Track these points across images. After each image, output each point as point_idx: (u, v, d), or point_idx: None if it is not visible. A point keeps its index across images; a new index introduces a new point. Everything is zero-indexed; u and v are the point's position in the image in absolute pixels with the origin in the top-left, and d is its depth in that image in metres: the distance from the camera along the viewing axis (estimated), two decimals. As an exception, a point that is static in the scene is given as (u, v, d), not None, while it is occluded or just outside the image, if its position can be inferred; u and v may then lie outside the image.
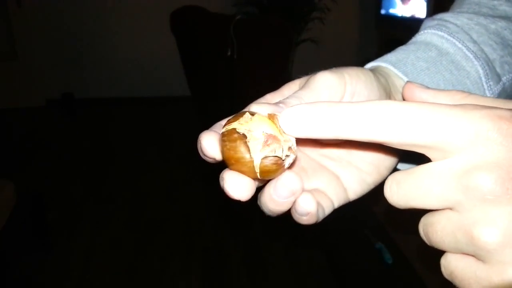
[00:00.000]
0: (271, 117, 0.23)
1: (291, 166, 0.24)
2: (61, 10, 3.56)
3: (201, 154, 0.25)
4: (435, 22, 0.36)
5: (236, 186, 0.24)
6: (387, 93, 0.30)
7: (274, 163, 0.23)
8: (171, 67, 3.64)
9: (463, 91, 0.25)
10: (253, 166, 0.23)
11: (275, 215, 0.26)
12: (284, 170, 0.24)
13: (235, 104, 2.14)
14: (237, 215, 2.15)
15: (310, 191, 0.27)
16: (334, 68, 0.28)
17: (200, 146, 0.24)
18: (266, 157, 0.22)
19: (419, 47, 0.35)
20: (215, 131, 0.25)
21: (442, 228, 0.20)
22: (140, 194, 2.36)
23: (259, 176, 0.23)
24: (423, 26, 0.37)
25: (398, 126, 0.19)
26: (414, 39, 0.37)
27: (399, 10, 3.17)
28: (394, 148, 0.21)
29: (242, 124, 0.23)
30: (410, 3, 3.05)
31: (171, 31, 2.45)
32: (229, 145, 0.23)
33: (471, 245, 0.19)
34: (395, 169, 0.32)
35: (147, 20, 3.64)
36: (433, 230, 0.21)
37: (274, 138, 0.23)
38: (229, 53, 2.04)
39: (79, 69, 3.76)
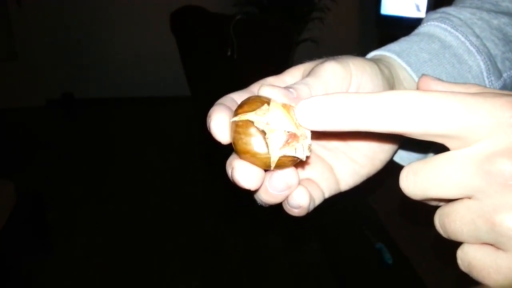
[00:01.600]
0: (286, 107, 0.23)
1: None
2: (61, 10, 3.56)
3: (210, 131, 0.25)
4: (438, 15, 0.36)
5: (247, 175, 0.24)
6: (391, 86, 0.30)
7: (291, 160, 0.23)
8: (171, 67, 3.63)
9: (479, 85, 0.24)
10: (270, 161, 0.23)
11: (267, 206, 0.26)
12: (295, 161, 0.24)
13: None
14: (237, 215, 2.15)
15: (303, 181, 0.28)
16: (339, 57, 0.27)
17: (210, 129, 0.24)
18: (285, 155, 0.22)
19: (422, 38, 0.34)
20: (225, 110, 0.24)
21: (461, 217, 0.20)
22: (140, 194, 2.36)
23: (271, 169, 0.23)
24: (425, 18, 0.37)
25: (420, 116, 0.19)
26: (417, 30, 0.36)
27: (399, 10, 3.17)
28: (392, 140, 0.21)
29: (259, 115, 0.22)
30: (410, 2, 3.06)
31: (171, 31, 2.45)
32: (245, 139, 0.22)
33: (492, 233, 0.19)
34: (390, 163, 0.32)
35: (147, 20, 3.64)
36: (451, 220, 0.20)
37: (295, 137, 0.22)
38: (229, 53, 2.04)
39: (79, 69, 3.76)
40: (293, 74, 0.29)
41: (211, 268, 1.82)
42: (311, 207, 0.27)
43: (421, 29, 0.36)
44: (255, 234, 2.01)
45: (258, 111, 0.23)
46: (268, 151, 0.22)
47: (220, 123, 0.24)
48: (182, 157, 2.81)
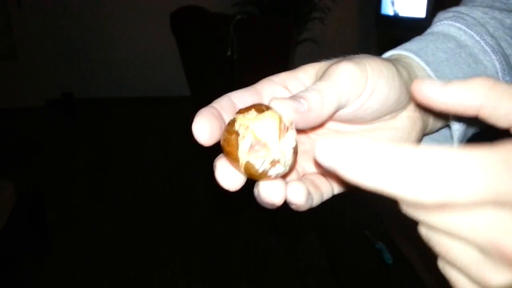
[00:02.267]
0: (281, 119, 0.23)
1: (283, 176, 0.24)
2: (61, 10, 3.56)
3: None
4: (451, 14, 0.35)
5: (226, 176, 0.24)
6: (408, 90, 0.29)
7: (257, 170, 0.22)
8: (171, 67, 3.64)
9: (487, 78, 0.21)
10: (239, 165, 0.23)
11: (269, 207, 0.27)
12: (270, 178, 0.23)
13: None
14: (237, 216, 2.15)
15: (310, 176, 0.28)
16: (356, 57, 0.27)
17: (192, 130, 0.25)
18: (249, 162, 0.22)
19: (438, 38, 0.34)
20: (208, 113, 0.25)
21: (460, 260, 0.19)
22: (140, 194, 2.36)
23: (242, 174, 0.24)
24: (437, 18, 0.36)
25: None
26: (430, 30, 0.35)
27: (399, 10, 3.17)
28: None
29: (245, 118, 0.23)
30: (410, 2, 3.06)
31: (171, 31, 2.45)
32: (225, 136, 0.23)
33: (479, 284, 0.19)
34: None
35: (147, 20, 3.64)
36: (449, 256, 0.20)
37: (264, 146, 0.22)
38: (229, 53, 2.04)
39: (79, 69, 3.76)
40: (307, 72, 0.29)
41: (211, 268, 1.82)
42: (308, 205, 0.27)
43: (435, 28, 0.35)
44: (255, 234, 2.01)
45: (248, 114, 0.23)
46: (237, 154, 0.22)
47: (201, 124, 0.24)
48: (182, 157, 2.81)
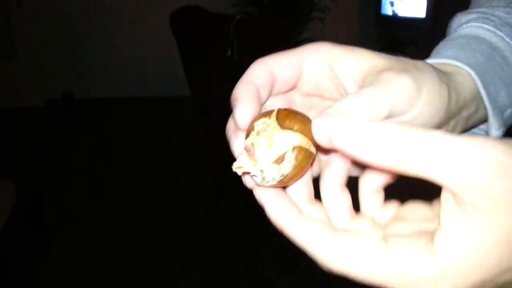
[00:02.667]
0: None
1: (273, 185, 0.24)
2: (61, 9, 3.56)
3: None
4: (474, 15, 0.34)
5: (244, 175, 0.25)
6: (449, 119, 0.27)
7: (233, 168, 0.24)
8: (171, 67, 3.63)
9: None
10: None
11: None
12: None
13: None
14: (237, 215, 2.15)
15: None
16: (416, 71, 0.24)
17: (236, 112, 0.25)
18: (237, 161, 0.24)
19: (470, 40, 0.32)
20: (254, 94, 0.25)
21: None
22: (140, 194, 2.36)
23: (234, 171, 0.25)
24: (458, 20, 0.35)
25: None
26: (457, 33, 0.33)
27: (399, 10, 3.17)
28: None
29: (260, 122, 0.24)
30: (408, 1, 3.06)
31: (171, 31, 2.45)
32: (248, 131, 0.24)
33: None
34: None
35: (147, 20, 3.64)
36: None
37: (248, 153, 0.23)
38: (229, 53, 2.04)
39: (78, 69, 3.76)
40: (364, 56, 0.25)
41: (211, 268, 1.82)
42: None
43: (463, 31, 0.33)
44: (255, 234, 2.01)
45: (267, 119, 0.24)
46: (237, 152, 0.24)
47: (244, 111, 0.24)
48: (181, 157, 2.81)
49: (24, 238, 1.83)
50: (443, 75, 0.27)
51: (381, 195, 0.26)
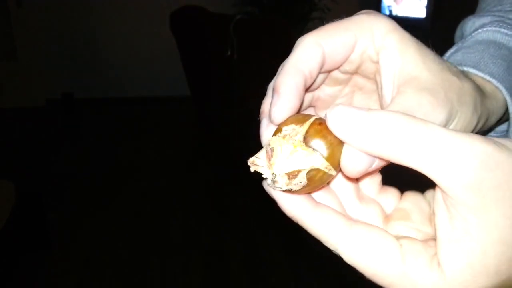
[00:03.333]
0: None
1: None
2: (61, 10, 3.56)
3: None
4: (489, 18, 0.33)
5: None
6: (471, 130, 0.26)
7: (250, 164, 0.24)
8: (171, 67, 3.63)
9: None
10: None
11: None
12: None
13: (235, 104, 2.14)
14: (237, 215, 2.15)
15: None
16: (456, 101, 0.23)
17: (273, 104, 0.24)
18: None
19: (489, 46, 0.31)
20: (299, 87, 0.23)
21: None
22: (140, 194, 2.36)
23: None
24: (472, 23, 0.34)
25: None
26: (472, 38, 0.33)
27: (399, 10, 3.17)
28: None
29: (290, 128, 0.23)
30: (403, 2, 3.06)
31: (171, 31, 2.45)
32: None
33: None
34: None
35: (147, 20, 3.64)
36: None
37: (269, 157, 0.23)
38: (229, 53, 2.04)
39: (79, 69, 3.76)
40: (415, 62, 0.24)
41: (211, 268, 1.82)
42: None
43: (479, 36, 0.32)
44: (255, 234, 2.01)
45: (298, 126, 0.23)
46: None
47: (283, 106, 0.23)
48: (182, 157, 2.81)
49: (24, 238, 1.83)
50: (481, 103, 0.26)
51: (378, 177, 0.26)
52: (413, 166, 0.19)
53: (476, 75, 0.29)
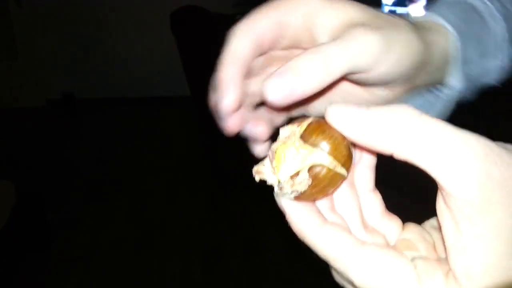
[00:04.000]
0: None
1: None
2: (61, 10, 3.56)
3: None
4: None
5: None
6: (416, 77, 0.27)
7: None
8: (171, 67, 3.63)
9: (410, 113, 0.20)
10: None
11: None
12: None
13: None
14: (237, 215, 2.15)
15: None
16: (391, 29, 0.24)
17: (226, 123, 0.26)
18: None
19: (454, 3, 0.33)
20: (239, 92, 0.25)
21: None
22: (140, 194, 2.36)
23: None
24: None
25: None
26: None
27: (398, 10, 3.17)
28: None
29: (287, 131, 0.23)
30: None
31: (171, 31, 2.45)
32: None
33: None
34: (390, 164, 0.31)
35: (147, 20, 3.64)
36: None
37: (274, 163, 0.22)
38: (229, 53, 2.04)
39: (79, 69, 3.76)
40: (346, 9, 0.24)
41: (211, 268, 1.82)
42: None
43: None
44: (255, 234, 2.01)
45: (299, 126, 0.23)
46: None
47: (233, 122, 0.26)
48: (182, 157, 2.81)
49: (24, 238, 1.83)
50: (419, 34, 0.26)
51: (381, 205, 0.26)
52: (415, 162, 0.19)
53: (423, 20, 0.30)
